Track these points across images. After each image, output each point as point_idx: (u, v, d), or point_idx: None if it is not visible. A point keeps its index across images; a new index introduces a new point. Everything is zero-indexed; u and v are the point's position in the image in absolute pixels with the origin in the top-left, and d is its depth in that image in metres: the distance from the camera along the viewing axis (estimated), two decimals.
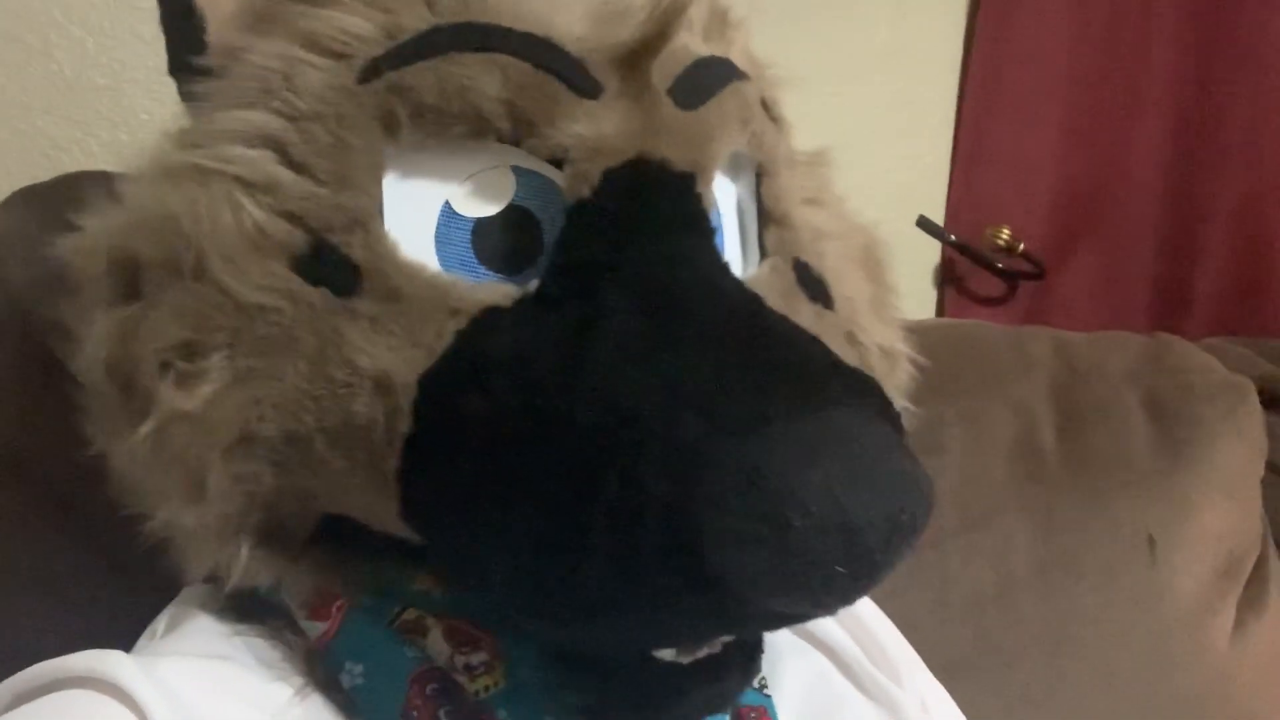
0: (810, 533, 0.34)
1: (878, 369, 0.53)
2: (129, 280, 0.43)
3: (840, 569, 0.35)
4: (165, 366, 0.42)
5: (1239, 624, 0.96)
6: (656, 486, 0.35)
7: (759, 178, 0.50)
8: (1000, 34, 1.13)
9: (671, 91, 0.44)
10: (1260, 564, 0.99)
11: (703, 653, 0.42)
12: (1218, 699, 0.93)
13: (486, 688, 0.45)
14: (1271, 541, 1.01)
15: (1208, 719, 0.90)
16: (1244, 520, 0.98)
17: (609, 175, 0.43)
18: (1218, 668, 0.93)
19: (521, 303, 0.42)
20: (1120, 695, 0.87)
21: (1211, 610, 0.94)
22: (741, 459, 0.35)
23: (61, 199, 0.62)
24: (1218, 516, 0.95)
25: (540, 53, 0.43)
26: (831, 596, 0.36)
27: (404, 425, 0.41)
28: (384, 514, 0.43)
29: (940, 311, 1.20)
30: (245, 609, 0.48)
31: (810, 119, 0.57)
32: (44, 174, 0.71)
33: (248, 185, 0.43)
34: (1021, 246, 1.14)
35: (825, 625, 0.59)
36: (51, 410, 0.46)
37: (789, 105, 0.55)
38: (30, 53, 0.82)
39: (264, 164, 0.43)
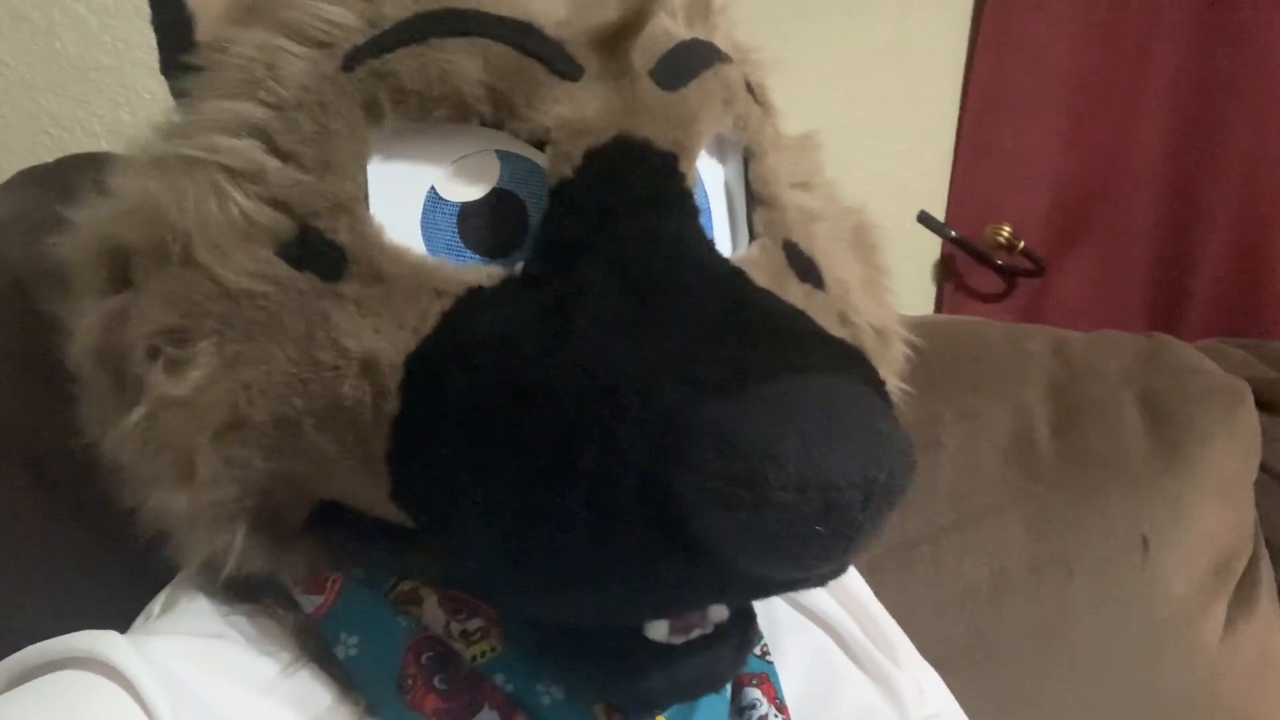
0: (787, 492, 0.34)
1: (871, 349, 0.54)
2: (118, 270, 0.44)
3: (819, 529, 0.35)
4: (154, 353, 0.42)
5: (1229, 624, 0.96)
6: (635, 454, 0.35)
7: (746, 160, 0.50)
8: (1003, 32, 1.14)
9: (653, 73, 0.45)
10: (1251, 565, 1.00)
11: (695, 633, 0.43)
12: (1207, 698, 0.93)
13: (484, 653, 0.45)
14: (1263, 543, 1.02)
15: (1197, 718, 0.91)
16: (1236, 521, 0.99)
17: (591, 155, 0.43)
18: (1208, 667, 0.94)
19: (506, 283, 0.43)
20: (1111, 693, 0.88)
21: (1203, 610, 0.94)
22: (718, 421, 0.35)
23: (64, 180, 0.62)
24: (1211, 517, 0.95)
25: (520, 36, 0.43)
26: (812, 558, 0.36)
27: (391, 407, 0.41)
28: (375, 497, 0.44)
29: (939, 307, 1.20)
30: (240, 586, 0.48)
31: (813, 113, 0.57)
32: (46, 153, 0.71)
33: (233, 174, 0.43)
34: (1021, 244, 1.14)
35: (826, 604, 0.60)
36: (53, 391, 0.46)
37: (793, 100, 0.56)
38: (34, 31, 0.81)
39: (249, 152, 0.43)
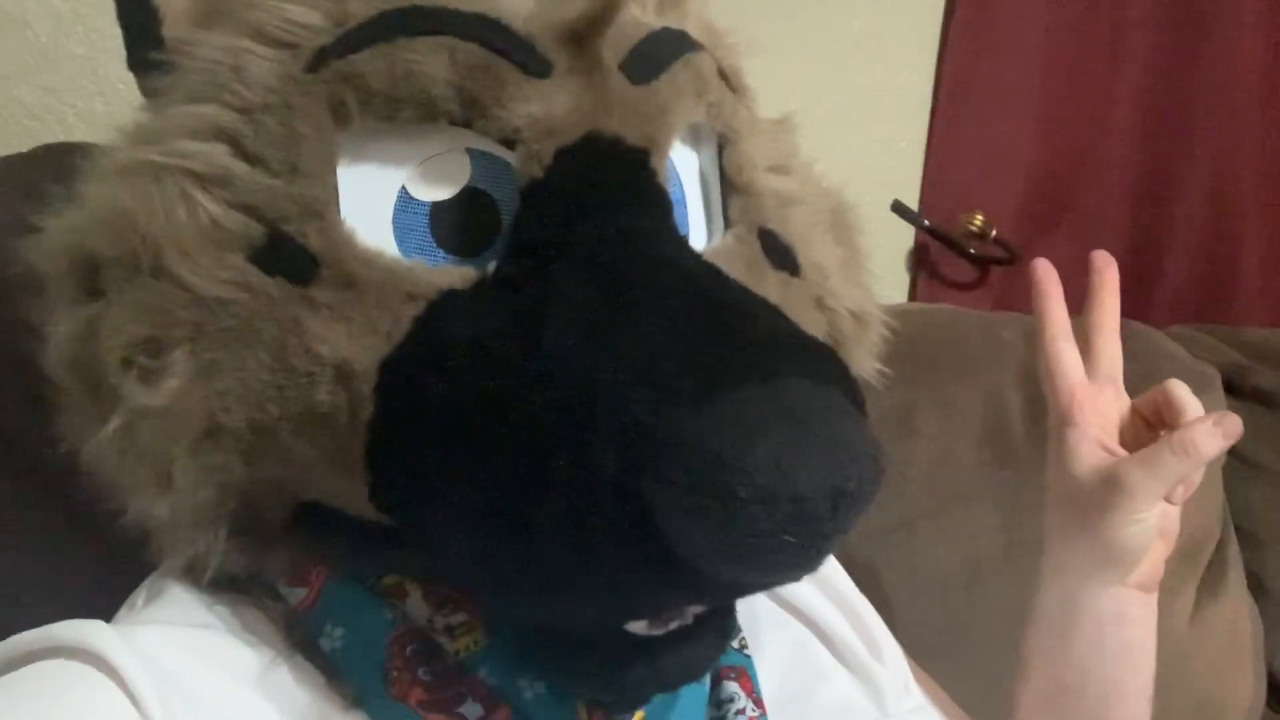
0: (757, 503, 0.34)
1: (849, 333, 0.54)
2: (89, 279, 0.43)
3: (789, 538, 0.35)
4: (128, 363, 0.42)
5: (1198, 607, 0.98)
6: (606, 465, 0.36)
7: (721, 147, 0.50)
8: (976, 22, 1.14)
9: (623, 67, 0.45)
10: (1220, 549, 1.01)
11: (674, 624, 0.43)
12: (1177, 679, 0.94)
13: (467, 647, 0.46)
14: (1232, 527, 1.03)
15: (1167, 698, 0.91)
16: (1206, 506, 1.00)
17: (561, 154, 0.43)
18: (1177, 649, 0.95)
19: (479, 285, 0.42)
20: None
21: (1172, 593, 0.96)
22: (688, 433, 0.35)
23: (38, 170, 0.62)
24: None
25: (488, 33, 0.43)
26: (783, 565, 0.37)
27: (366, 411, 0.41)
28: (354, 498, 0.44)
29: (913, 295, 1.21)
30: (225, 578, 0.48)
31: (787, 103, 0.58)
32: (20, 144, 0.71)
33: (201, 179, 0.43)
34: (994, 233, 1.15)
35: (810, 598, 0.60)
36: (38, 388, 0.46)
37: (766, 90, 0.56)
38: (6, 20, 0.81)
39: (217, 157, 0.43)
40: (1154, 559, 0.57)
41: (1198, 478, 0.56)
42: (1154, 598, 0.58)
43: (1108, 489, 0.54)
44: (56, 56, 0.82)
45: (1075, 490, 0.56)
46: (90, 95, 0.83)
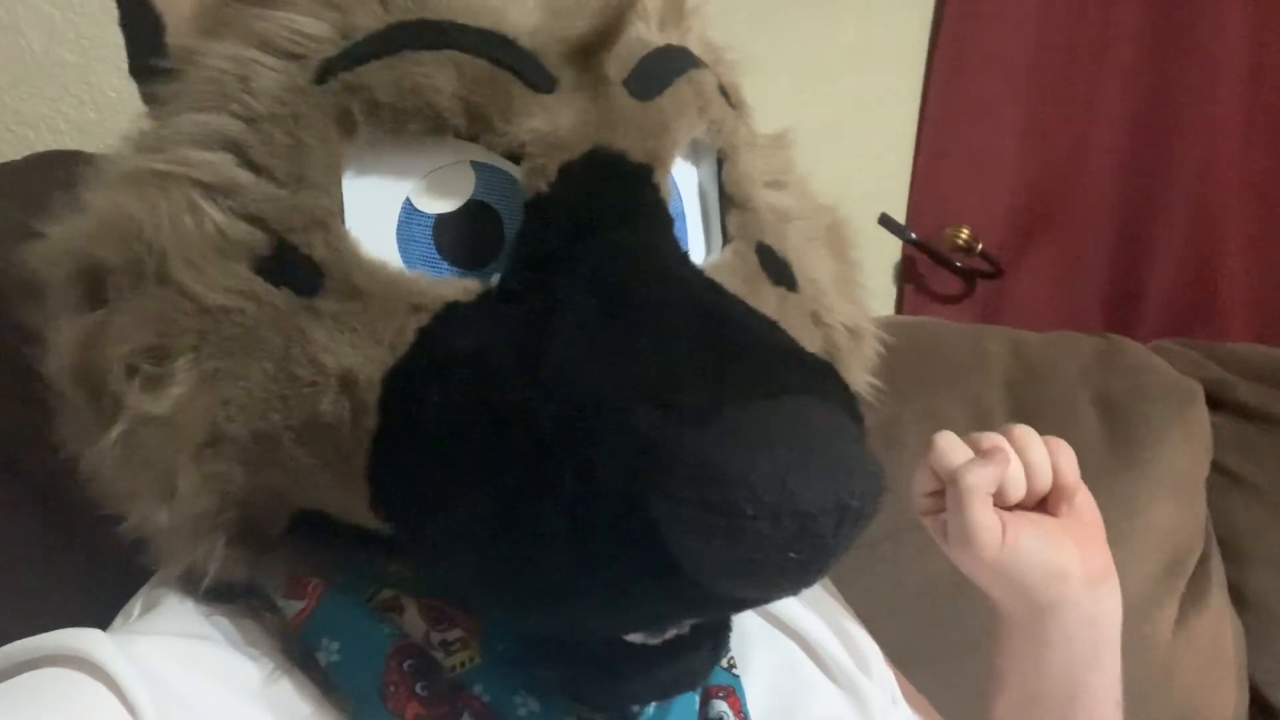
0: (762, 520, 0.35)
1: (844, 347, 0.55)
2: (93, 286, 0.44)
3: (793, 554, 0.36)
4: (132, 371, 0.42)
5: (1181, 619, 0.99)
6: (612, 478, 0.36)
7: (720, 163, 0.51)
8: (963, 37, 1.15)
9: (627, 83, 0.45)
10: (1203, 561, 1.02)
11: (670, 634, 0.43)
12: (1160, 691, 0.95)
13: (462, 663, 0.46)
14: (1215, 540, 1.04)
15: (1151, 710, 0.93)
16: (1189, 518, 1.01)
17: (566, 169, 0.43)
18: (1160, 660, 0.96)
19: (483, 297, 0.43)
20: None
21: (1156, 604, 0.96)
22: (695, 449, 0.36)
23: (33, 178, 0.62)
24: (1164, 514, 0.97)
25: (494, 48, 0.44)
26: (786, 581, 0.38)
27: (370, 422, 0.42)
28: (354, 508, 0.44)
29: (900, 308, 1.22)
30: (221, 589, 0.48)
31: (776, 117, 0.58)
32: (11, 151, 0.71)
33: (207, 188, 0.43)
34: (980, 246, 1.16)
35: (798, 613, 0.60)
36: (38, 397, 0.46)
37: (756, 104, 0.56)
38: None
39: (223, 167, 0.43)
40: (1083, 548, 0.57)
41: (1019, 471, 0.56)
42: (1113, 587, 0.58)
43: (965, 553, 0.55)
44: (48, 64, 0.82)
45: (962, 565, 0.57)
46: (82, 103, 0.83)
